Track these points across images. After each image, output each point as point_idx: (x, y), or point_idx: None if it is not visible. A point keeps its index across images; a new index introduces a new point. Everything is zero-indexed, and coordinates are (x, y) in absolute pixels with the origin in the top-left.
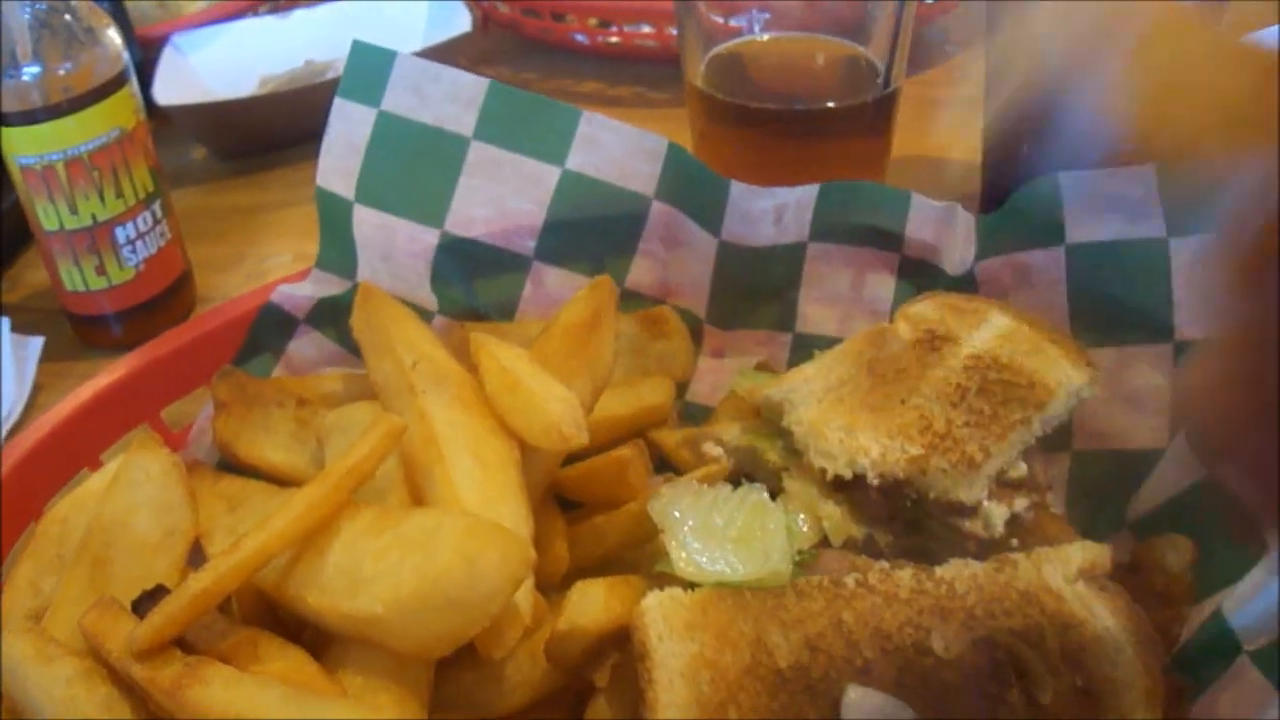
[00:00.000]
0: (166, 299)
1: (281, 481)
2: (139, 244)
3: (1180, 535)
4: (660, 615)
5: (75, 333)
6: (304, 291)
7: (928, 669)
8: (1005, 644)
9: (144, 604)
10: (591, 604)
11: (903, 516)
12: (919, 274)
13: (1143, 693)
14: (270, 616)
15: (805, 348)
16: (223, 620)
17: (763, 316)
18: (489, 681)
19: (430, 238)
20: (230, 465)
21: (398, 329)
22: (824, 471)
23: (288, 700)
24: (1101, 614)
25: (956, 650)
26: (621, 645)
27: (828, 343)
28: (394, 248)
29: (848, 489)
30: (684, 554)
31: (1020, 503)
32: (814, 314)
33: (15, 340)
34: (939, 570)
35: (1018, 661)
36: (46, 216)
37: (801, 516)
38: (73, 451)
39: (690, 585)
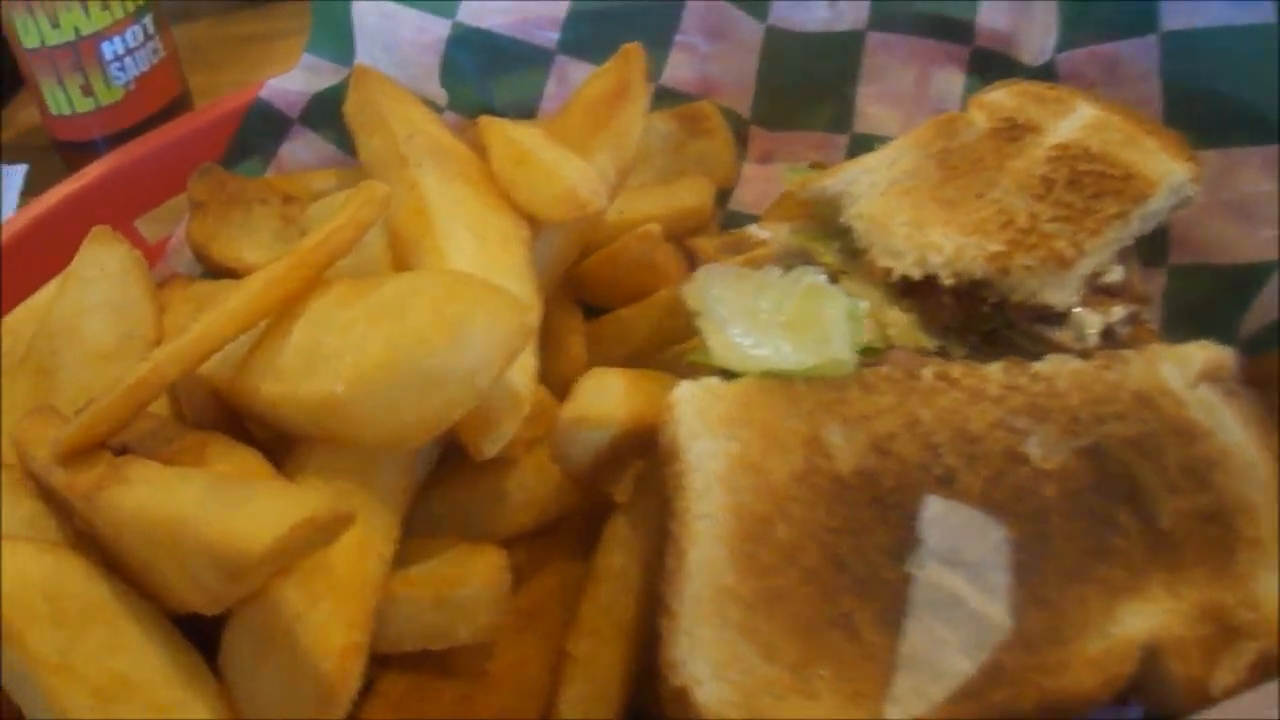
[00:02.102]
0: (160, 123)
1: None
2: (128, 61)
3: None
4: (693, 409)
5: (64, 162)
6: (296, 86)
7: (1022, 480)
8: (1116, 454)
9: None
10: (608, 393)
11: (979, 326)
12: (991, 68)
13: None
14: (229, 422)
15: (864, 151)
16: (173, 425)
17: (816, 116)
18: (488, 498)
19: (441, 28)
20: (214, 277)
21: (394, 107)
22: (889, 272)
23: (210, 492)
24: (1230, 424)
25: (1057, 459)
26: (646, 452)
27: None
28: (399, 39)
29: (916, 293)
30: (723, 338)
31: (1117, 312)
32: (874, 113)
33: None
34: (1035, 365)
35: (1130, 475)
36: (26, 32)
37: (865, 303)
38: (35, 264)
39: (730, 376)
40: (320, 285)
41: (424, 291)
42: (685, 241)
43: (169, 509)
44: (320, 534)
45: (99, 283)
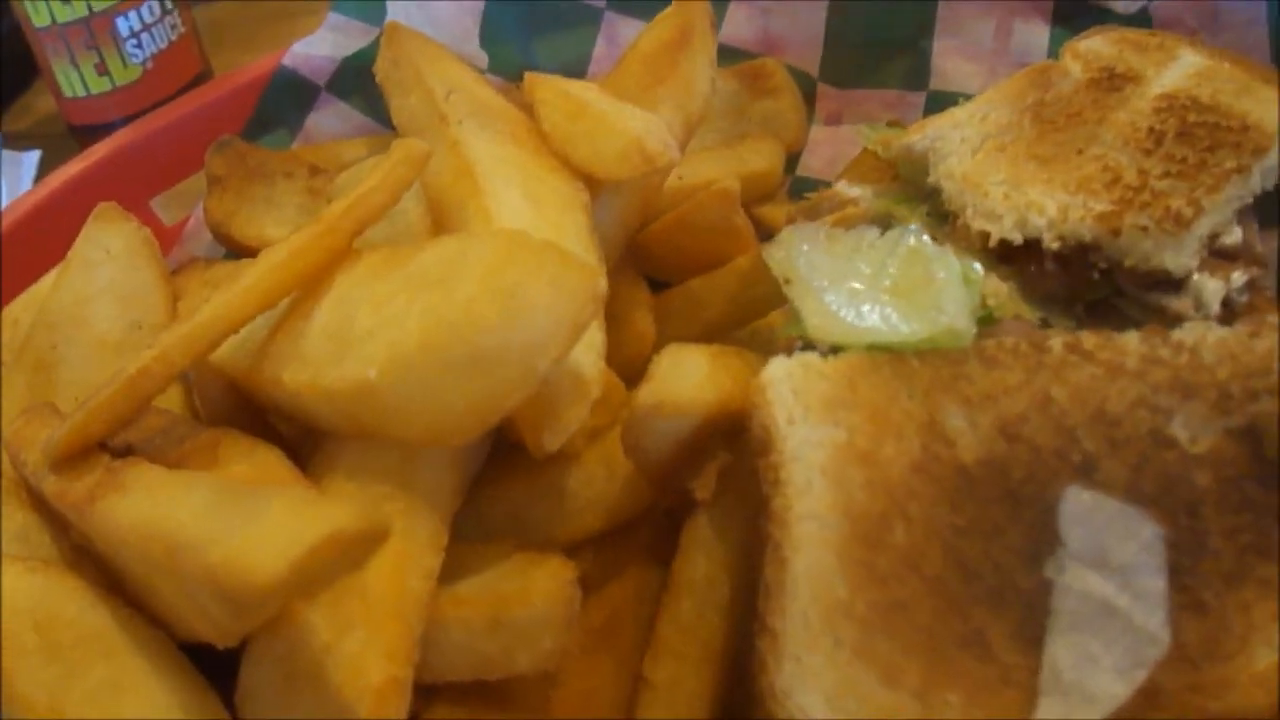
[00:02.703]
0: None
1: None
2: (145, 37)
3: None
4: (790, 390)
5: (81, 148)
6: (323, 51)
7: (1170, 467)
8: (1273, 434)
9: None
10: (688, 373)
11: (1085, 295)
12: (1079, 18)
13: None
14: (248, 418)
15: (942, 109)
16: (185, 423)
17: (889, 72)
18: (548, 498)
19: None
20: (235, 259)
21: (431, 64)
22: (985, 236)
23: (215, 503)
24: None
25: (1207, 441)
26: (731, 442)
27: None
28: None
29: (1015, 259)
30: (821, 307)
31: (1237, 277)
32: (951, 69)
33: (9, 157)
34: (1175, 334)
35: None
36: (35, 10)
37: (977, 264)
38: (41, 250)
39: (829, 351)
40: (350, 257)
41: (472, 256)
42: (753, 210)
43: (168, 524)
44: (348, 554)
45: (104, 266)
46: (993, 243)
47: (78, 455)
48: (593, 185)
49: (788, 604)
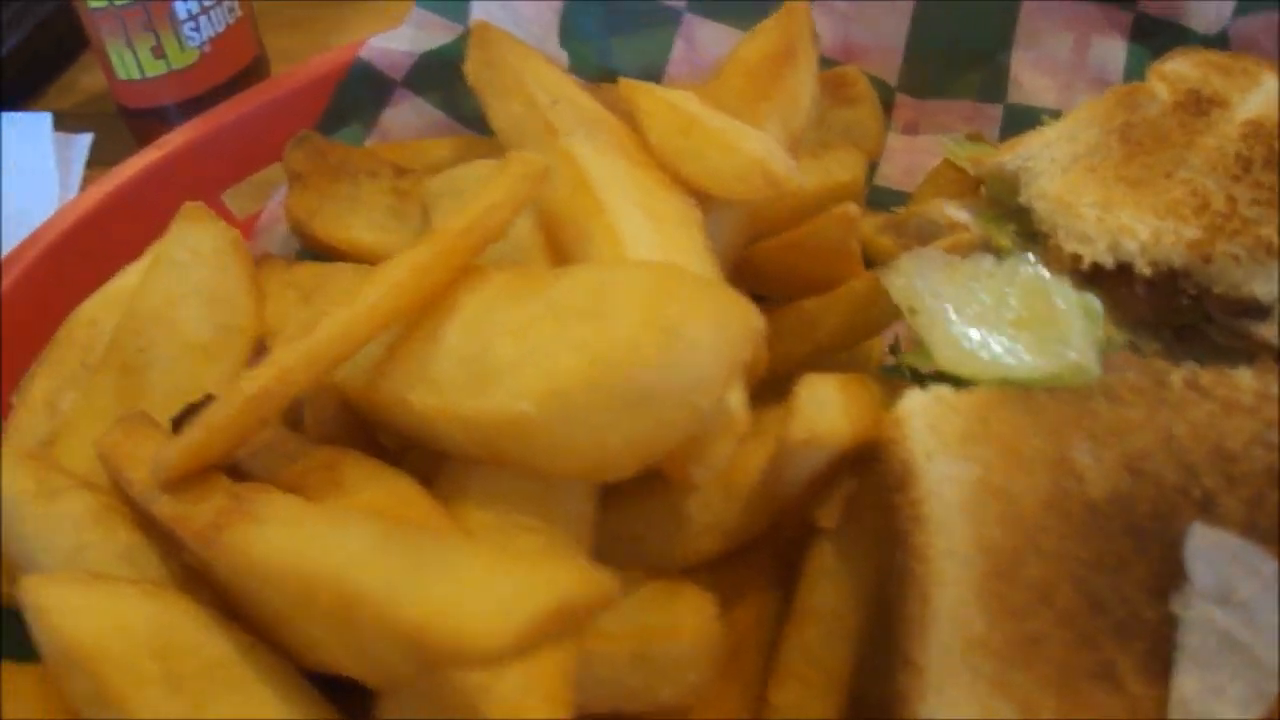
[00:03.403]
0: (236, 88)
1: None
2: (203, 20)
3: None
4: (926, 423)
5: (131, 132)
6: (401, 45)
7: None
8: None
9: (187, 421)
10: (828, 405)
11: (1173, 320)
12: (1157, 35)
13: None
14: (358, 436)
15: (1019, 123)
16: (293, 439)
17: (966, 83)
18: (666, 522)
19: None
20: (312, 257)
21: (528, 68)
22: (1077, 259)
23: (384, 547)
24: None
25: None
26: (860, 470)
27: (1046, 117)
28: None
29: (1104, 282)
30: (949, 338)
31: None
32: (1029, 81)
33: (60, 139)
34: None
35: None
36: None
37: (1092, 294)
38: (111, 244)
39: (957, 383)
40: (473, 276)
41: (626, 287)
42: None
43: (326, 566)
44: (573, 621)
45: (193, 269)
46: (1084, 265)
47: (191, 477)
48: (702, 201)
49: (930, 639)
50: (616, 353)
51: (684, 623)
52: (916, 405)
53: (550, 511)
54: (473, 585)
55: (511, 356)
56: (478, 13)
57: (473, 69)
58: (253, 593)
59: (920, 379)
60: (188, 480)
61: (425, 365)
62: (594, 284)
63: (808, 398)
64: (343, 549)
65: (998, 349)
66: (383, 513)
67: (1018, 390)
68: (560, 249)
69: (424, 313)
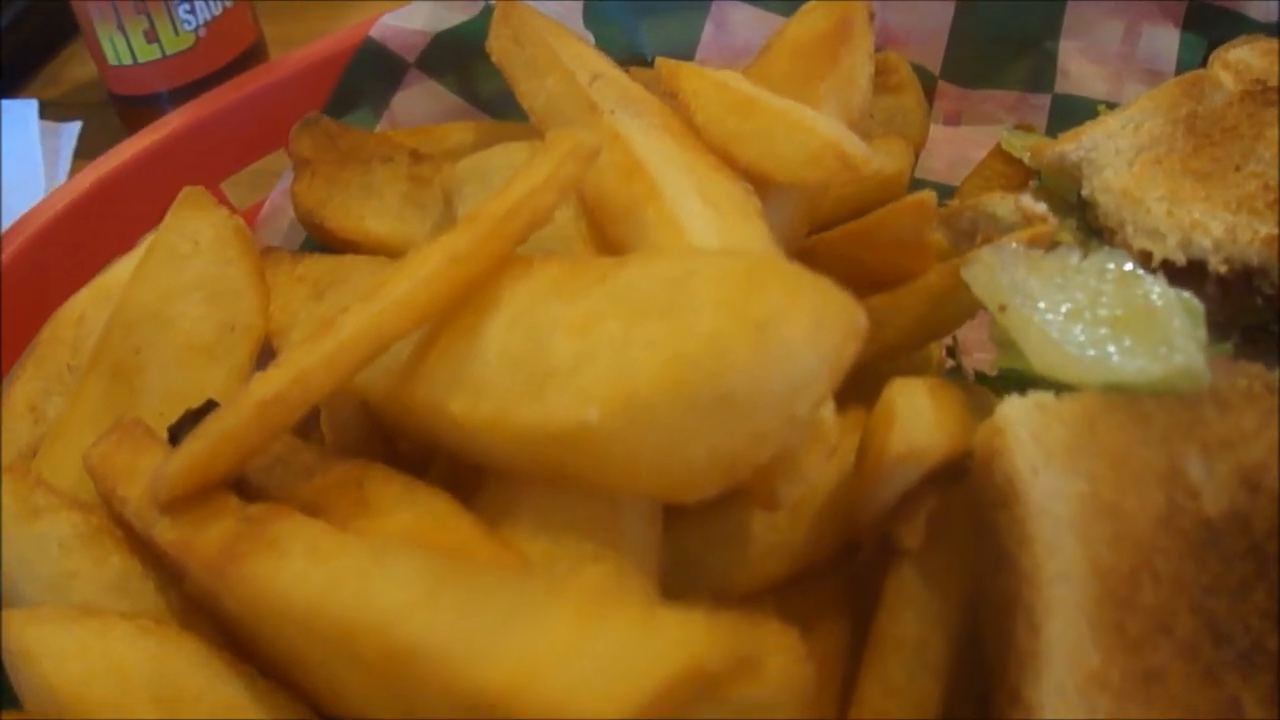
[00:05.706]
0: (233, 75)
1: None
2: (199, 3)
3: None
4: (1029, 434)
5: (122, 121)
6: (415, 24)
7: None
8: None
9: (186, 429)
10: (920, 413)
11: (1244, 319)
12: (1211, 23)
13: None
14: (379, 446)
15: (1067, 114)
16: (309, 451)
17: (1012, 72)
18: (728, 543)
19: None
20: (318, 251)
21: (562, 44)
22: (1146, 255)
23: (438, 584)
24: None
25: None
26: (947, 484)
27: (1101, 107)
28: None
29: (1174, 279)
30: (1046, 341)
31: None
32: (1077, 70)
33: (46, 128)
34: None
35: None
36: None
37: (1190, 293)
38: (102, 234)
39: (1056, 390)
40: (516, 267)
41: (708, 278)
42: None
43: (369, 610)
44: (701, 692)
45: (193, 260)
46: (1155, 263)
47: (196, 495)
48: (758, 188)
49: (1042, 673)
50: (700, 352)
51: (771, 664)
52: (1017, 413)
53: (615, 538)
54: (567, 641)
55: (571, 357)
56: None
57: (498, 46)
58: (269, 632)
59: (1002, 385)
60: (190, 499)
61: (466, 367)
62: (669, 274)
63: (904, 408)
64: (388, 591)
65: (1100, 351)
66: (420, 539)
67: (1123, 397)
68: (606, 238)
69: (462, 308)
